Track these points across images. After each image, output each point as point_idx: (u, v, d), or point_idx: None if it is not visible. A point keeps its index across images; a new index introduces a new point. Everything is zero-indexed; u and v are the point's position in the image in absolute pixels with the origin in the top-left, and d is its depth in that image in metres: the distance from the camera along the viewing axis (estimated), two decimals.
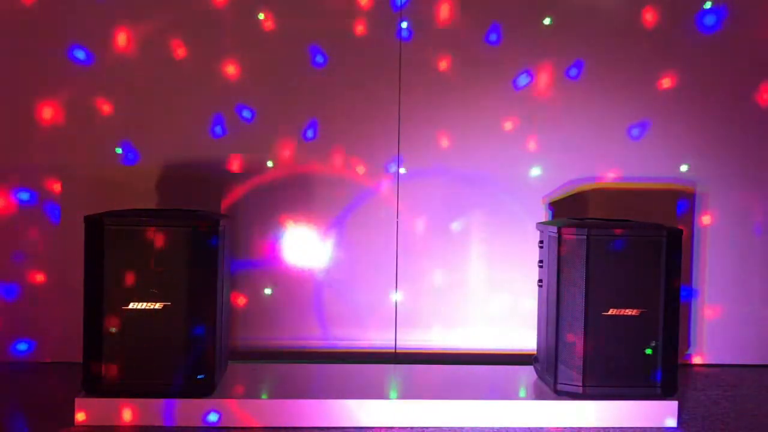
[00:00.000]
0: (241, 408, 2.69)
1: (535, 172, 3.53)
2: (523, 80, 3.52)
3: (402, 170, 3.49)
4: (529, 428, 2.74)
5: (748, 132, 3.60)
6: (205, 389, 2.71)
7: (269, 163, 3.45)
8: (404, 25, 3.46)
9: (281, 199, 3.48)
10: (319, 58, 3.46)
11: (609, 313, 2.78)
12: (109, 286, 2.66)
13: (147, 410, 2.66)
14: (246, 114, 3.46)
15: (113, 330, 2.65)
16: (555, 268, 2.83)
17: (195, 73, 3.43)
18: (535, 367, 3.09)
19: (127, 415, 2.66)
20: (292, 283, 3.49)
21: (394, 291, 3.52)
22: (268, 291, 3.47)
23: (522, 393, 2.91)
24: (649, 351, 2.77)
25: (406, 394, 2.85)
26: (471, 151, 3.52)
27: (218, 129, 3.45)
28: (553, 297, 2.84)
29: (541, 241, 3.03)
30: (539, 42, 3.50)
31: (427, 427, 2.73)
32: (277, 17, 3.45)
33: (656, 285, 2.77)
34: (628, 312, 2.78)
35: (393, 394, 2.86)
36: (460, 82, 3.50)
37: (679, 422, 2.79)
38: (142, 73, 3.42)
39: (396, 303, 3.52)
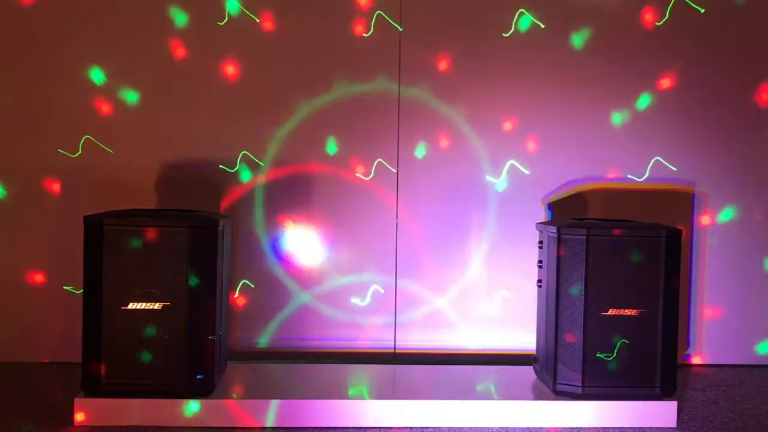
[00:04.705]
0: (240, 408, 2.70)
1: (535, 172, 3.53)
2: (523, 80, 3.51)
3: (396, 170, 3.49)
4: (528, 428, 2.74)
5: (747, 132, 3.60)
6: (204, 389, 2.71)
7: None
8: (402, 27, 3.47)
9: (280, 199, 3.48)
10: (318, 58, 3.46)
11: (608, 313, 2.78)
12: (109, 286, 2.66)
13: (146, 410, 2.66)
14: (245, 114, 3.46)
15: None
16: (554, 268, 2.83)
17: (194, 73, 3.43)
18: (534, 368, 3.10)
19: (126, 416, 2.66)
20: (292, 283, 3.49)
21: (394, 291, 3.52)
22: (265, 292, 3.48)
23: (521, 393, 2.91)
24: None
25: (406, 394, 2.86)
26: (470, 151, 3.52)
27: (218, 129, 3.45)
28: (553, 297, 2.84)
29: (540, 242, 3.03)
30: (539, 42, 3.50)
31: (426, 427, 2.73)
32: (276, 17, 3.45)
33: (655, 285, 2.78)
34: (628, 312, 2.78)
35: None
36: (460, 82, 3.50)
37: (678, 422, 2.79)
38: (142, 73, 3.42)
39: (396, 303, 3.52)
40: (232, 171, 3.45)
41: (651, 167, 3.55)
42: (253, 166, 3.46)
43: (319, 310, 3.50)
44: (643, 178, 3.55)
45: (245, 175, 3.46)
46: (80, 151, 3.40)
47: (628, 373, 2.77)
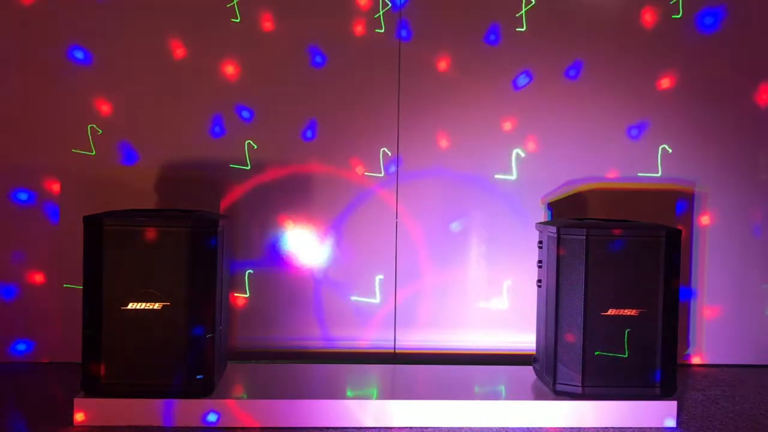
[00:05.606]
0: (240, 408, 2.70)
1: (534, 172, 3.53)
2: (522, 80, 3.52)
3: (396, 169, 3.49)
4: (528, 428, 2.74)
5: (747, 132, 3.60)
6: (204, 389, 2.71)
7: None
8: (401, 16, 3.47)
9: (281, 199, 3.48)
10: (318, 59, 3.46)
11: (608, 313, 2.78)
12: (109, 286, 2.66)
13: (146, 410, 2.66)
14: (245, 114, 3.46)
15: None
16: (554, 268, 2.83)
17: (194, 73, 3.43)
18: (534, 368, 3.09)
19: (126, 416, 2.66)
20: (292, 283, 3.49)
21: (394, 291, 3.52)
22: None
23: (521, 393, 2.91)
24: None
25: (406, 394, 2.85)
26: (470, 151, 3.52)
27: (217, 129, 3.45)
28: (552, 297, 2.84)
29: (540, 242, 3.03)
30: (538, 42, 3.50)
31: (426, 427, 2.73)
32: (276, 17, 3.45)
33: (655, 285, 2.78)
34: (628, 312, 2.78)
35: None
36: (460, 82, 3.50)
37: (678, 422, 2.79)
38: (142, 73, 3.42)
39: (396, 303, 3.52)
40: (233, 170, 3.45)
41: (650, 167, 3.55)
42: (253, 166, 3.46)
43: (319, 309, 3.50)
44: (643, 178, 3.55)
45: (245, 175, 3.46)
46: (79, 151, 3.40)
47: (628, 373, 2.77)
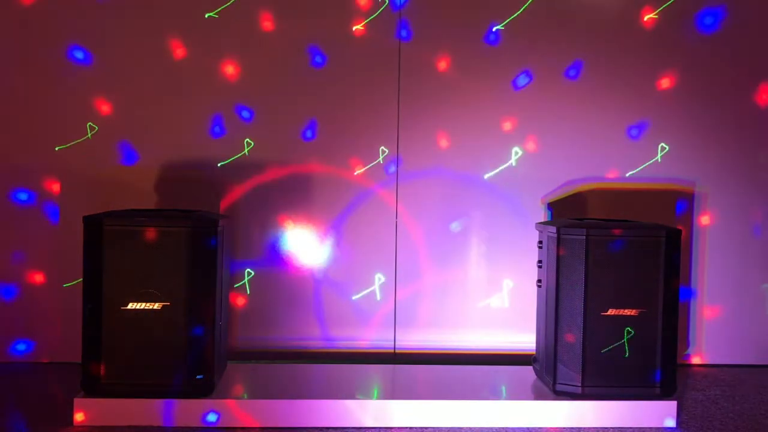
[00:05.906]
0: (240, 408, 2.70)
1: (534, 172, 3.53)
2: (522, 80, 3.52)
3: (396, 169, 3.49)
4: (528, 428, 2.74)
5: (747, 132, 3.60)
6: (204, 389, 2.71)
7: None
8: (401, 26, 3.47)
9: (281, 199, 3.48)
10: (318, 59, 3.47)
11: (608, 313, 2.78)
12: (109, 286, 2.66)
13: (146, 410, 2.66)
14: (245, 114, 3.46)
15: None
16: (554, 268, 2.83)
17: (194, 73, 3.43)
18: (534, 368, 3.09)
19: (126, 416, 2.66)
20: (292, 283, 3.49)
21: (394, 291, 3.52)
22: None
23: (521, 393, 2.90)
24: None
25: (406, 394, 2.85)
26: (470, 151, 3.52)
27: (217, 129, 3.45)
28: (552, 297, 2.84)
29: (540, 242, 3.03)
30: (538, 42, 3.51)
31: (426, 427, 2.73)
32: (276, 18, 3.45)
33: (655, 285, 2.78)
34: (627, 312, 2.78)
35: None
36: (459, 83, 3.50)
37: (678, 422, 2.79)
38: (142, 73, 3.42)
39: (396, 303, 3.52)
40: (233, 170, 3.45)
41: (650, 167, 3.55)
42: (254, 166, 3.46)
43: (319, 309, 3.50)
44: (643, 178, 3.55)
45: (245, 175, 3.46)
46: (80, 151, 3.40)
47: (628, 373, 2.77)
